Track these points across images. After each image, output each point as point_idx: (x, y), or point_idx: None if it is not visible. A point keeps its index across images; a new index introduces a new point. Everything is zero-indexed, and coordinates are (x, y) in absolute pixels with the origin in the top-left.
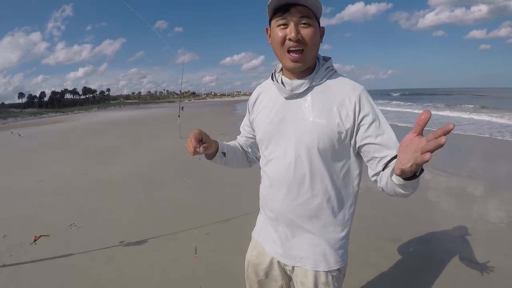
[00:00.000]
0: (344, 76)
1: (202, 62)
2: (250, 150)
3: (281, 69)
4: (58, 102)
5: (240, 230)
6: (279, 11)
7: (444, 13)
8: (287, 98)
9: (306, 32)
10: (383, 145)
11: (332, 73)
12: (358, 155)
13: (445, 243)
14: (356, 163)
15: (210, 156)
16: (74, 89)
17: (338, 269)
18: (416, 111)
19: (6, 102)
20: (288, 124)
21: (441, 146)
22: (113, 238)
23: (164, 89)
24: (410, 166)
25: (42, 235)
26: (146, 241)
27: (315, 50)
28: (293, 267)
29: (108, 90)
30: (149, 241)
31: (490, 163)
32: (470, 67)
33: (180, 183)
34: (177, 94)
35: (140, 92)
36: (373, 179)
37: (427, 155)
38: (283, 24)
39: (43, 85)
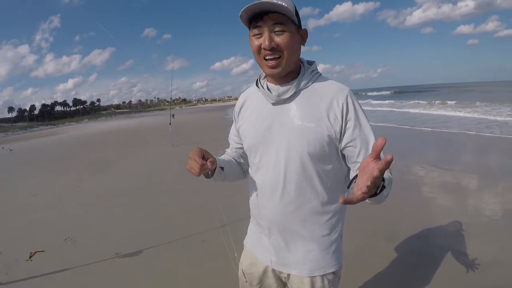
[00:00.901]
0: (329, 79)
1: (192, 68)
2: (242, 161)
3: (266, 76)
4: (48, 115)
5: (236, 237)
6: (253, 20)
7: (431, 9)
8: (274, 104)
9: (280, 39)
10: (364, 150)
11: (318, 77)
12: (344, 156)
13: (441, 239)
14: (345, 164)
15: (211, 174)
16: (64, 101)
17: (333, 272)
18: (411, 110)
19: None
20: (276, 130)
21: (389, 162)
22: (108, 250)
23: (154, 97)
24: (366, 188)
25: (38, 251)
26: (141, 252)
27: (293, 55)
28: (288, 275)
29: (99, 100)
30: (144, 251)
31: (480, 158)
32: (458, 62)
33: (174, 192)
34: (168, 101)
35: (130, 101)
36: None
37: (375, 172)
38: (258, 34)
39: (33, 98)
